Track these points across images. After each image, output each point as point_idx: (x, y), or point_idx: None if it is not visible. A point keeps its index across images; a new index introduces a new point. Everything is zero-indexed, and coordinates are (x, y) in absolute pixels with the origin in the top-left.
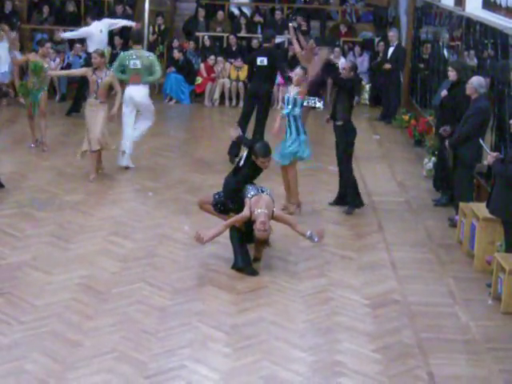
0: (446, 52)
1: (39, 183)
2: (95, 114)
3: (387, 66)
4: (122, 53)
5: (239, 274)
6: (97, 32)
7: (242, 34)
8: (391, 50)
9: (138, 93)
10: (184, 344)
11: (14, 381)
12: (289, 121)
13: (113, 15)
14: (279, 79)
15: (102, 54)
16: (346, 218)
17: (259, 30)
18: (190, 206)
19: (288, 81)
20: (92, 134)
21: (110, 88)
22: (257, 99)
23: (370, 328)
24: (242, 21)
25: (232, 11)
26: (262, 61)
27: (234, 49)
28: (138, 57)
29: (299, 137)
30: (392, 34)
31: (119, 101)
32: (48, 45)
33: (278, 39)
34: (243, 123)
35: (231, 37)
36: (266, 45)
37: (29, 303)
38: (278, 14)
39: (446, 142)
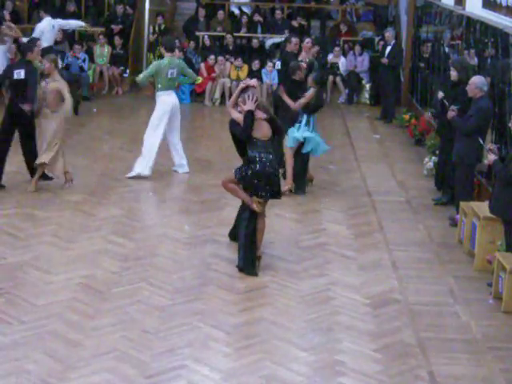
0: (446, 51)
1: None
2: (46, 125)
3: (384, 60)
4: (157, 61)
5: (240, 274)
6: (49, 28)
7: (242, 33)
8: (388, 48)
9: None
10: (185, 344)
11: (14, 381)
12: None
13: (113, 15)
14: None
15: (54, 60)
16: (346, 217)
17: (259, 30)
18: (190, 206)
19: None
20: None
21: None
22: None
23: (371, 327)
24: (243, 20)
25: (232, 11)
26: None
27: (231, 48)
28: (174, 66)
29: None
30: (388, 33)
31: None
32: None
33: (278, 39)
34: None
35: (228, 36)
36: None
37: (29, 303)
38: (278, 14)
39: (449, 113)
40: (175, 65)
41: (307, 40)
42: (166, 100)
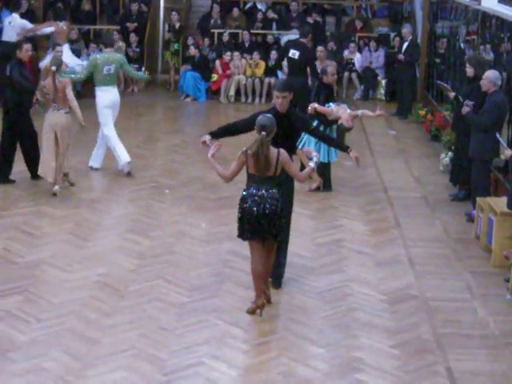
0: (462, 46)
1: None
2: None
3: (400, 56)
4: (94, 56)
5: None
6: (6, 23)
7: (257, 30)
8: (405, 45)
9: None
10: (202, 341)
11: (33, 378)
12: None
13: (128, 13)
14: None
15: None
16: (362, 213)
17: (274, 26)
18: (206, 203)
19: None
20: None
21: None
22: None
23: (388, 324)
24: (258, 17)
25: (248, 8)
26: (293, 54)
27: (247, 45)
28: (112, 62)
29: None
30: (405, 29)
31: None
32: (59, 48)
33: (293, 35)
34: None
35: (244, 32)
36: (302, 39)
37: (47, 301)
38: (293, 6)
39: (464, 108)
40: (113, 61)
41: (320, 49)
42: (103, 96)
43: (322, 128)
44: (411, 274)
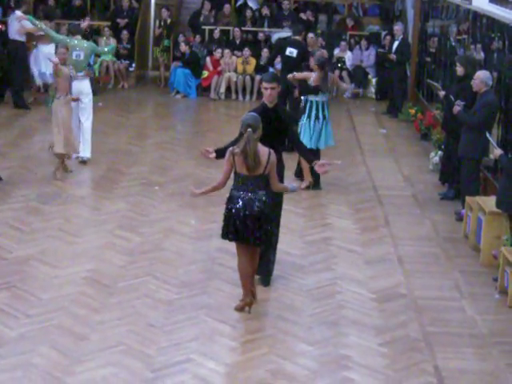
0: (453, 45)
1: (45, 177)
2: (69, 111)
3: (392, 56)
4: (67, 37)
5: None
6: (10, 21)
7: (248, 27)
8: (396, 43)
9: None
10: (191, 338)
11: (21, 374)
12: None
13: (119, 9)
14: None
15: (67, 48)
16: (352, 211)
17: (266, 24)
18: (196, 200)
19: None
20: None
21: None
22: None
23: (377, 322)
24: (248, 14)
25: (239, 5)
26: (291, 52)
27: (238, 42)
28: (81, 48)
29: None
30: (397, 27)
31: None
32: (62, 50)
33: (284, 33)
34: None
35: (236, 30)
36: (296, 37)
37: (36, 297)
38: (285, 4)
39: (455, 108)
40: (83, 47)
41: (310, 35)
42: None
43: (313, 99)
44: (400, 272)
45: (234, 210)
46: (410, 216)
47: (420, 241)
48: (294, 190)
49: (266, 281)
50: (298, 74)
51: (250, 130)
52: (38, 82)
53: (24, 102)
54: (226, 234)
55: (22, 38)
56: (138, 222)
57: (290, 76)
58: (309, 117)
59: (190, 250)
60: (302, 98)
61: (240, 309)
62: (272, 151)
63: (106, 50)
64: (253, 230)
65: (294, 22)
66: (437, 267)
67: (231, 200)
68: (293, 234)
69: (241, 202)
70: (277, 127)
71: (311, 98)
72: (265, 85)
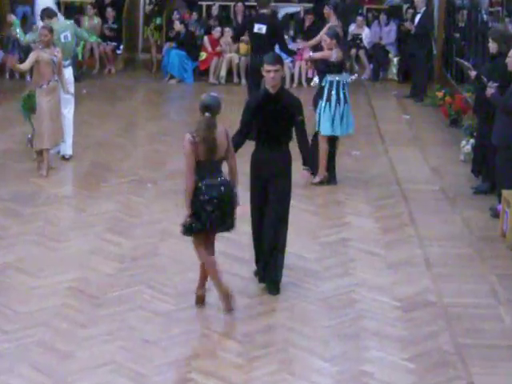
0: (485, 19)
1: (23, 174)
2: (55, 101)
3: (408, 24)
4: None
5: (252, 275)
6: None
7: (252, 2)
8: (418, 16)
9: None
10: (190, 354)
11: None
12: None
13: None
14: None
15: (51, 30)
16: (372, 209)
17: None
18: None
19: (291, 55)
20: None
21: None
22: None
23: (402, 333)
24: None
25: None
26: (260, 28)
27: (240, 19)
28: (66, 27)
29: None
30: None
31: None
32: (44, 31)
33: (292, 8)
34: None
35: (238, 5)
36: (263, 11)
37: (13, 310)
38: None
39: (488, 90)
40: (67, 27)
41: (326, 8)
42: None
43: (334, 79)
44: (428, 277)
45: (206, 201)
46: (439, 213)
47: (450, 241)
48: None
49: (275, 289)
50: (315, 54)
51: (207, 114)
52: None
53: None
54: (191, 228)
55: None
56: (128, 224)
57: (306, 56)
58: (328, 100)
59: (187, 255)
60: (317, 79)
61: (229, 308)
62: (227, 129)
63: (85, 35)
64: (226, 214)
65: None
66: (470, 270)
67: (201, 192)
68: (305, 235)
69: (211, 190)
70: (281, 116)
71: (331, 77)
72: (267, 67)
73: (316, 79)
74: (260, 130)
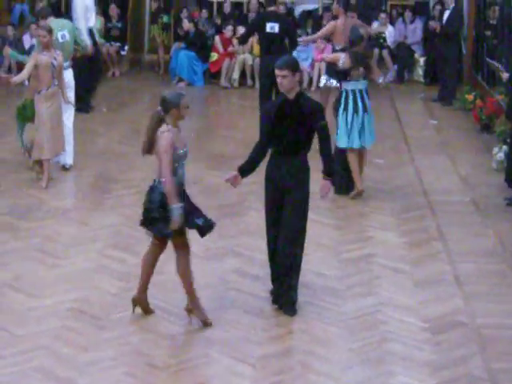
0: None
1: (20, 186)
2: (55, 107)
3: (433, 23)
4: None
5: (268, 294)
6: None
7: None
8: (447, 13)
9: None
10: (201, 380)
11: None
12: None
13: None
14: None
15: (50, 31)
16: (397, 222)
17: None
18: (205, 211)
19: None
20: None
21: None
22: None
23: (431, 357)
24: None
25: None
26: (272, 27)
27: (254, 16)
28: (63, 27)
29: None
30: None
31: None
32: (42, 32)
33: (310, 5)
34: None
35: (252, 1)
36: (272, 8)
37: (10, 333)
38: None
39: None
40: (64, 26)
41: (335, 6)
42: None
43: (349, 87)
44: (458, 296)
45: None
46: (470, 226)
47: (482, 256)
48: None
49: (291, 310)
50: (327, 56)
51: (159, 108)
52: None
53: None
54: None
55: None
56: (133, 240)
57: (318, 58)
58: (345, 109)
59: (198, 273)
60: (324, 78)
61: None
62: (169, 135)
63: (82, 38)
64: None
65: None
66: (504, 289)
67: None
68: (326, 251)
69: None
70: (301, 122)
71: (346, 85)
72: (276, 71)
73: (323, 78)
74: (278, 139)
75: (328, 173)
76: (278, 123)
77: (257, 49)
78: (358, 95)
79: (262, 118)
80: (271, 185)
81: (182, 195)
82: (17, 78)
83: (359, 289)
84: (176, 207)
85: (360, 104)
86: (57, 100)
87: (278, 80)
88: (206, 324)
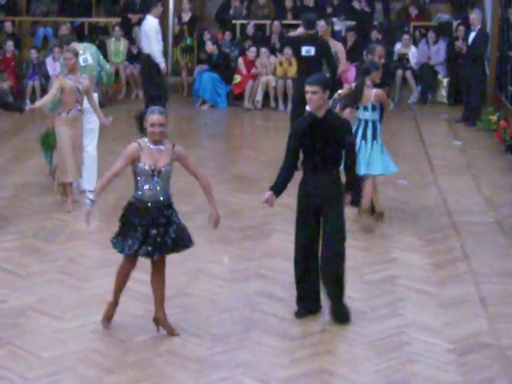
0: None
1: (45, 209)
2: (76, 132)
3: (461, 45)
4: None
5: (292, 316)
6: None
7: (289, 20)
8: (472, 35)
9: None
10: None
11: None
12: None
13: (130, 2)
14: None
15: (76, 54)
16: (421, 243)
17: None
18: (229, 233)
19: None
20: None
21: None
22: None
23: (456, 379)
24: (289, 4)
25: None
26: (308, 51)
27: (277, 39)
28: (86, 50)
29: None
30: (474, 16)
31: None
32: (69, 55)
33: (336, 26)
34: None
35: (274, 24)
36: (310, 32)
37: (35, 355)
38: None
39: None
40: (86, 49)
41: (322, 23)
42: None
43: (356, 116)
44: (483, 316)
45: None
46: (494, 247)
47: (508, 277)
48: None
49: (347, 320)
50: (343, 91)
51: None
52: None
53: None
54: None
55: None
56: None
57: (336, 95)
58: (355, 135)
59: (223, 296)
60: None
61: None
62: (129, 150)
63: (107, 67)
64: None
65: (347, 12)
66: None
67: None
68: (350, 273)
69: None
70: (330, 140)
71: (357, 113)
72: (305, 87)
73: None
74: (309, 156)
75: (349, 188)
76: (308, 140)
77: (280, 70)
78: (362, 124)
79: (291, 135)
80: (306, 202)
81: (149, 214)
82: (41, 102)
83: (384, 310)
84: (88, 198)
85: (369, 133)
86: (78, 125)
87: (308, 96)
88: (172, 334)
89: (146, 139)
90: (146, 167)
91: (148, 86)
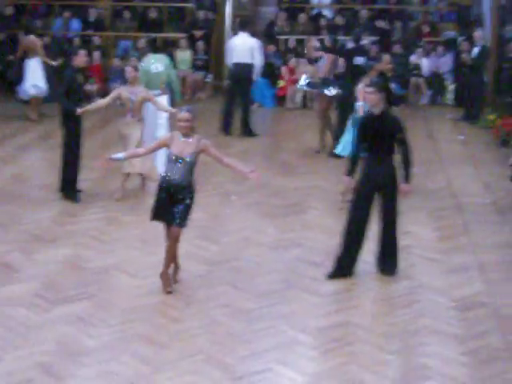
0: None
1: (127, 188)
2: (131, 134)
3: (466, 58)
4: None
5: (325, 278)
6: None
7: (324, 36)
8: (475, 50)
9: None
10: (270, 347)
11: (103, 382)
12: None
13: (195, 20)
14: None
15: (136, 68)
16: (431, 219)
17: (341, 33)
18: (273, 209)
19: None
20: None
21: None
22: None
23: (458, 331)
24: (323, 23)
25: (314, 14)
26: (359, 60)
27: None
28: (157, 60)
29: None
30: (477, 34)
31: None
32: (129, 69)
33: (363, 41)
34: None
35: (313, 38)
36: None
37: (116, 306)
38: (362, 13)
39: None
40: (157, 59)
41: (312, 43)
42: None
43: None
44: (481, 280)
45: None
46: (491, 223)
47: (502, 248)
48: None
49: (394, 272)
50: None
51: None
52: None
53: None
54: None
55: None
56: (215, 232)
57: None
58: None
59: (268, 260)
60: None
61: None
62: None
63: (174, 79)
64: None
65: (371, 29)
66: None
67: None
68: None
69: None
70: (383, 134)
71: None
72: (365, 88)
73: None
74: (370, 145)
75: (406, 179)
76: (367, 133)
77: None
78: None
79: (358, 127)
80: (368, 182)
81: (167, 190)
82: (98, 103)
83: (399, 273)
84: (121, 157)
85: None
86: (134, 131)
87: (366, 96)
88: (165, 290)
89: (178, 132)
90: (172, 154)
91: (247, 91)
